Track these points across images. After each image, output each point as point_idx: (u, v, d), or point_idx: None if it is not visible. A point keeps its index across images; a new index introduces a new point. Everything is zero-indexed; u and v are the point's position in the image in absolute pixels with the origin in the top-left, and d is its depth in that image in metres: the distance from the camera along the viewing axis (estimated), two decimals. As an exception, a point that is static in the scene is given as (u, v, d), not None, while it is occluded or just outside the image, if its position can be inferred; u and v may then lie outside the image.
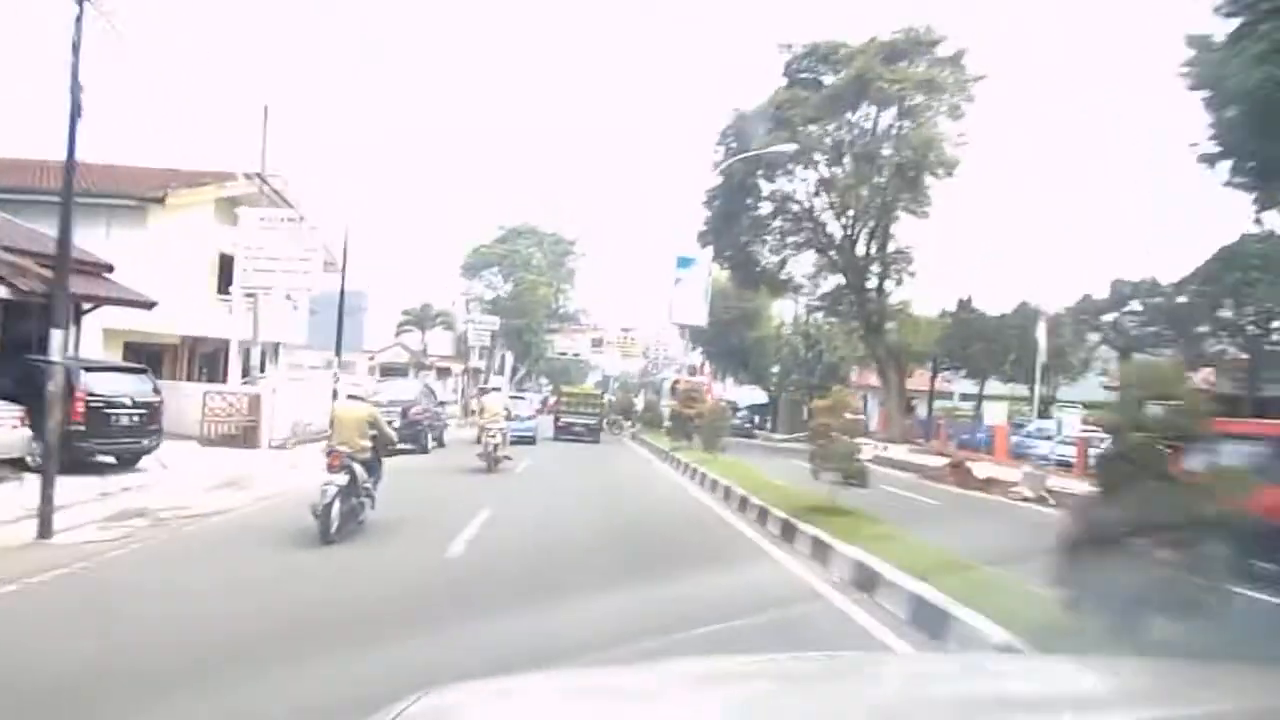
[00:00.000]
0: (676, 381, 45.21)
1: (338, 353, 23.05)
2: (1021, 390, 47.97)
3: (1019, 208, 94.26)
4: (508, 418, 20.71)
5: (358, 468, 10.30)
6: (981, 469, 26.46)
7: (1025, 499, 22.23)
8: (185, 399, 21.10)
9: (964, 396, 49.36)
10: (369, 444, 10.66)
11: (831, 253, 39.76)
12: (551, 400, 48.97)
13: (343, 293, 23.43)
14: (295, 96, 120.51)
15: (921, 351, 38.80)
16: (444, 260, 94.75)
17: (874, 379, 48.59)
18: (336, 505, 9.81)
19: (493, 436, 19.47)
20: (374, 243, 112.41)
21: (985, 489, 24.43)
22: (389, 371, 40.76)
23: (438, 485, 17.05)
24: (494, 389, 26.47)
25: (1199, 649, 4.68)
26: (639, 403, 51.15)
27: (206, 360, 31.39)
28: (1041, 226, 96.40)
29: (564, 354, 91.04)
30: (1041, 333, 33.14)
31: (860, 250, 38.90)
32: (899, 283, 38.66)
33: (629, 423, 42.57)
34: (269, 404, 21.05)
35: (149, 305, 20.91)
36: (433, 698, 1.52)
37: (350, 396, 11.72)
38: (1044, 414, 42.22)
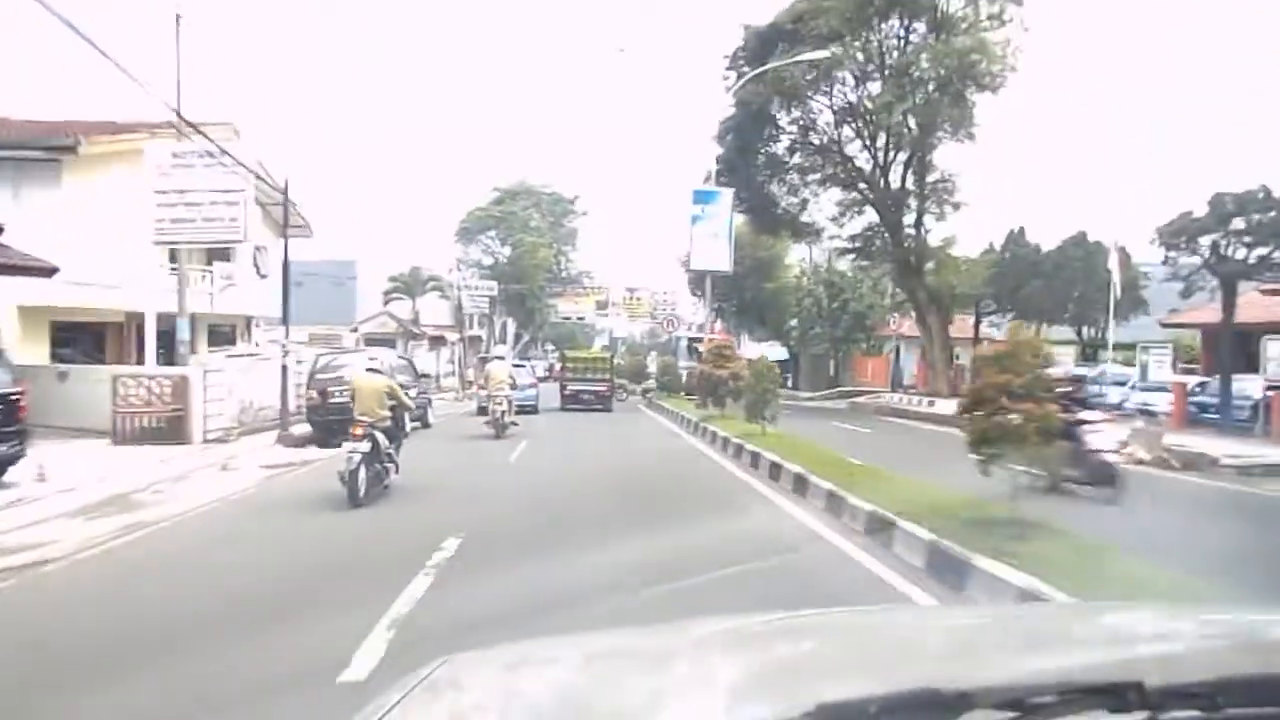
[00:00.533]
0: (695, 340, 41.05)
1: (284, 322, 18.57)
2: (1060, 332, 43.62)
3: (1074, 124, 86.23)
4: (512, 386, 20.67)
5: (380, 436, 10.79)
6: (1064, 425, 22.19)
7: (1140, 461, 17.89)
8: (96, 386, 16.85)
9: (993, 342, 44.77)
10: (388, 413, 11.20)
11: (861, 186, 35.00)
12: (557, 367, 44.78)
13: (286, 250, 18.75)
14: (287, 62, 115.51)
15: (967, 294, 34.14)
16: (439, 227, 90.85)
17: (906, 328, 44.16)
18: (362, 471, 10.33)
19: (499, 404, 19.80)
20: (364, 211, 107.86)
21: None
22: (373, 343, 36.42)
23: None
24: (497, 357, 25.23)
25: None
26: (651, 365, 46.87)
27: (161, 340, 27.05)
28: (1102, 144, 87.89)
29: (568, 318, 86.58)
30: (1114, 264, 28.62)
31: (895, 182, 34.13)
32: (940, 217, 33.95)
33: (641, 388, 38.44)
34: (198, 389, 16.74)
35: (48, 272, 16.57)
36: (453, 664, 1.55)
37: (369, 370, 11.98)
38: (1090, 358, 37.93)
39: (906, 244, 34.15)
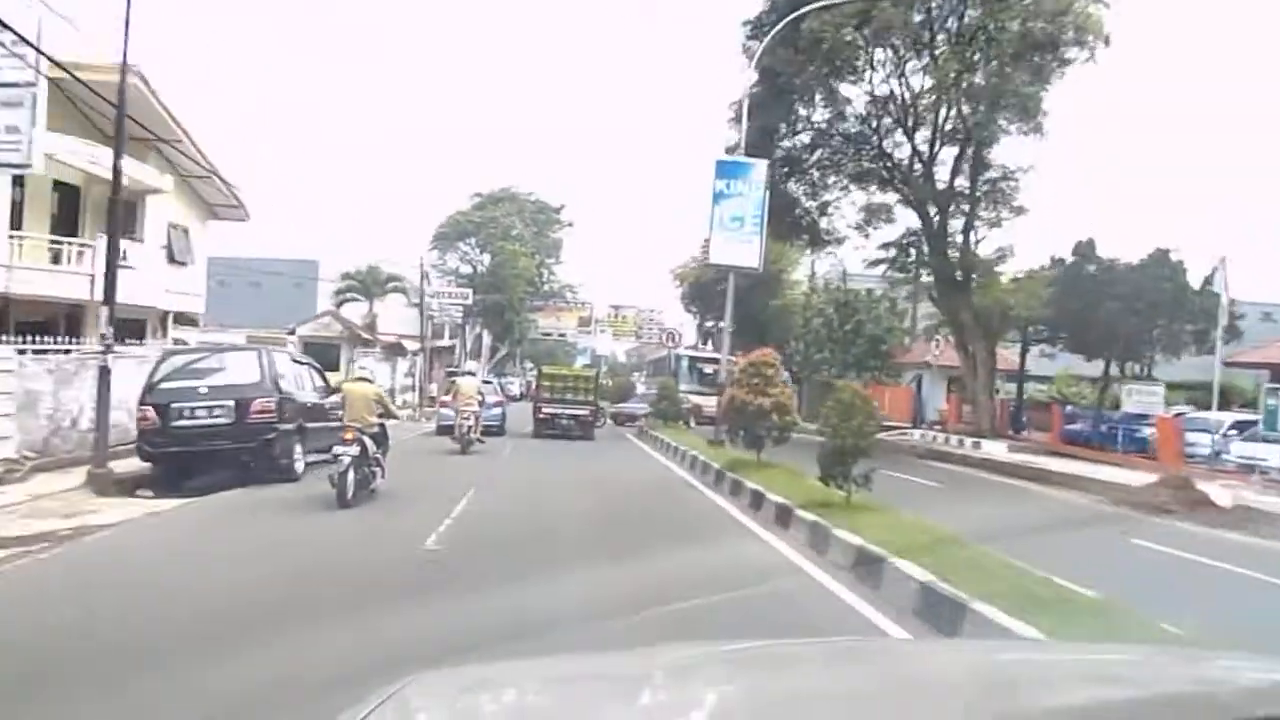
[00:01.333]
0: (700, 359, 35.51)
1: (106, 301, 12.07)
2: (1087, 365, 37.91)
3: (1160, 121, 73.27)
4: (481, 404, 20.15)
5: (368, 440, 10.93)
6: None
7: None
8: None
9: (1037, 377, 39.10)
10: (377, 420, 11.41)
11: (899, 185, 29.16)
12: (532, 385, 38.68)
13: (117, 180, 12.21)
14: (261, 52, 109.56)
15: (1023, 316, 28.30)
16: (416, 232, 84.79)
17: (930, 355, 38.32)
18: (351, 474, 10.50)
19: (466, 419, 19.20)
20: (336, 211, 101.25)
21: (1238, 522, 14.34)
22: (313, 350, 30.05)
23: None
24: (467, 372, 24.25)
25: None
26: (640, 386, 40.81)
27: (37, 329, 20.76)
28: (1192, 146, 74.40)
29: (549, 334, 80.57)
30: (1223, 285, 23.04)
31: (941, 182, 28.29)
32: (995, 223, 28.15)
33: (624, 413, 32.61)
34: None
35: None
36: (418, 684, 1.51)
37: (359, 378, 12.26)
38: (1103, 397, 32.34)
39: (951, 254, 28.26)
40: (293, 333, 30.84)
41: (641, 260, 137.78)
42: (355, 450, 10.58)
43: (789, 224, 32.64)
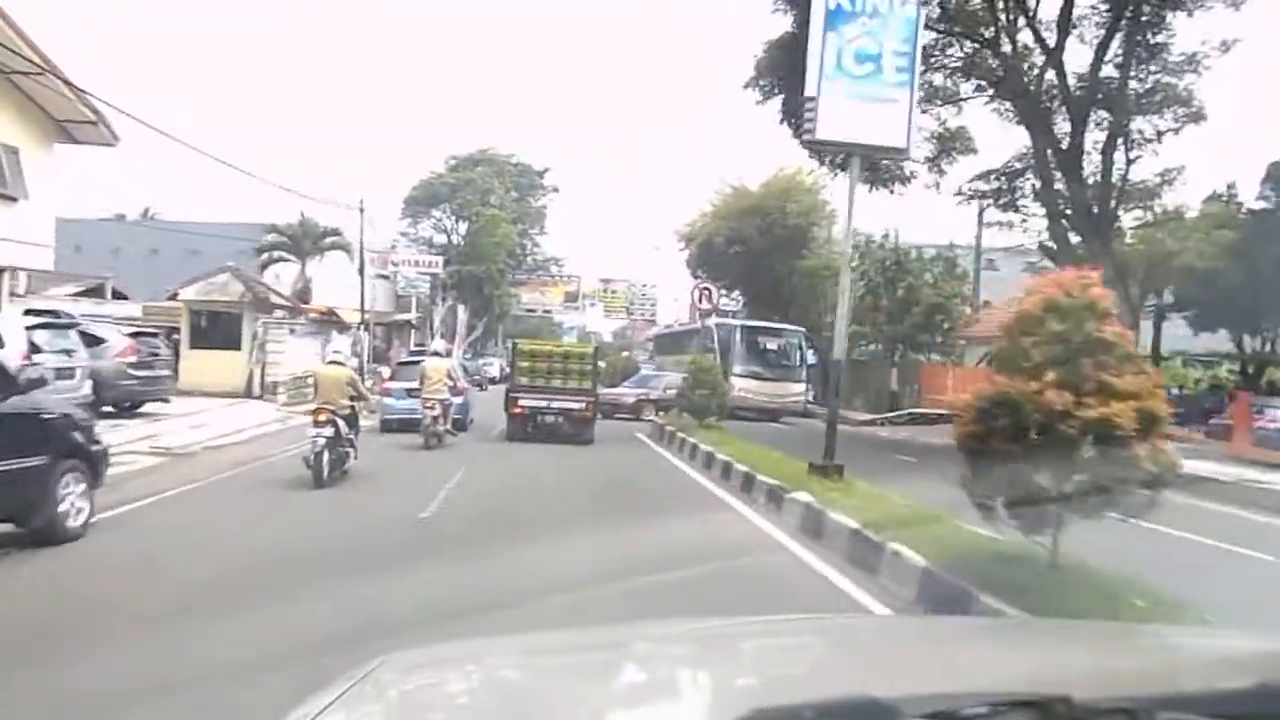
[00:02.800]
0: (760, 330, 27.13)
1: None
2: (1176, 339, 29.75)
3: None
4: (453, 390, 15.73)
5: (341, 422, 10.96)
6: None
7: None
8: None
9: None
10: (349, 402, 11.47)
11: (1004, 86, 20.57)
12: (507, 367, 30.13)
13: None
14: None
15: (1201, 268, 19.69)
16: (382, 200, 75.53)
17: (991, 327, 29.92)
18: (325, 455, 10.58)
19: (431, 408, 15.11)
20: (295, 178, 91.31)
21: None
22: (203, 314, 21.27)
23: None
24: (435, 352, 17.90)
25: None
26: (645, 367, 32.30)
27: None
28: None
29: (532, 310, 71.78)
30: None
31: (1065, 82, 19.68)
32: (1155, 138, 19.57)
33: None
34: None
35: None
36: (395, 662, 1.48)
37: (331, 361, 12.18)
38: (1271, 383, 24.05)
39: (1084, 186, 19.72)
40: (174, 296, 22.02)
41: (633, 231, 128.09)
42: (329, 431, 10.66)
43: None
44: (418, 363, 18.51)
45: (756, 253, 36.73)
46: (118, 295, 24.65)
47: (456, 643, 1.72)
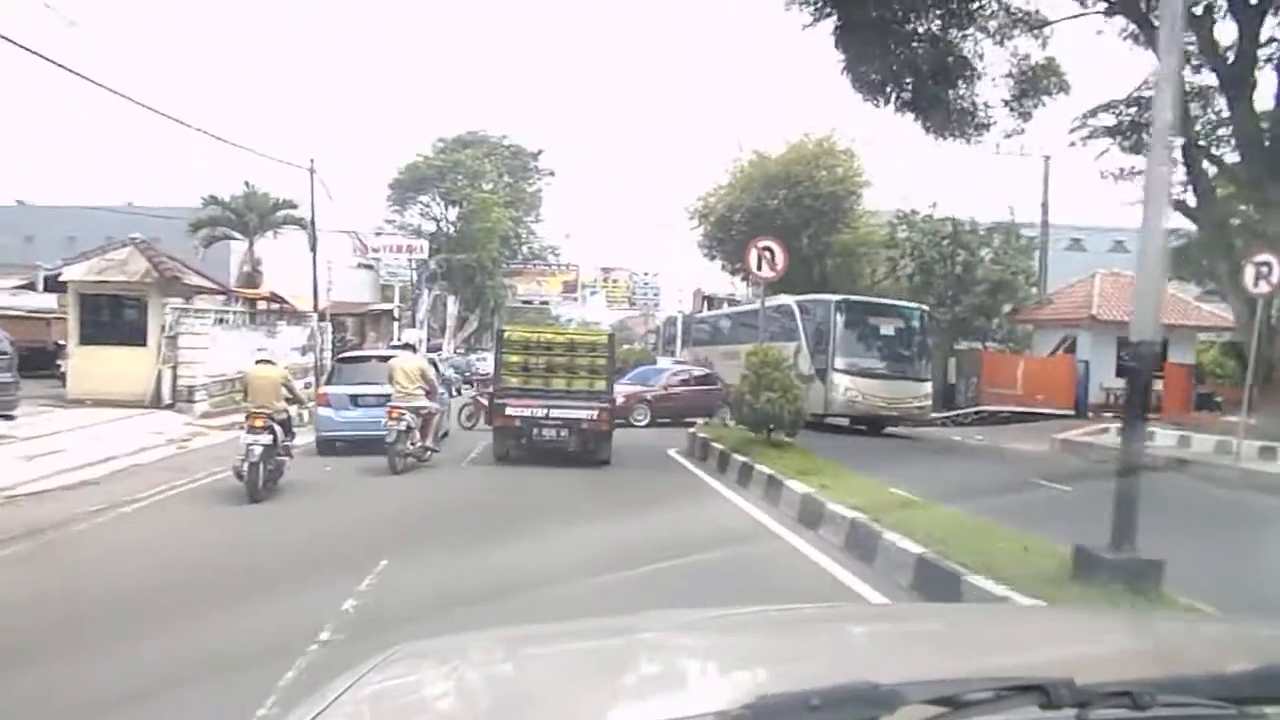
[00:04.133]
0: (872, 307, 19.81)
1: None
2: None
3: None
4: (429, 393, 11.63)
5: (278, 428, 9.69)
6: None
7: None
8: None
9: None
10: (284, 405, 10.07)
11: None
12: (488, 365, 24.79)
13: None
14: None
15: None
16: (368, 188, 69.62)
17: (1095, 304, 24.80)
18: (261, 466, 9.28)
19: (398, 420, 10.97)
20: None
21: None
22: (89, 300, 15.94)
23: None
24: (404, 345, 15.18)
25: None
26: (664, 360, 27.11)
27: None
28: None
29: (529, 302, 66.45)
30: None
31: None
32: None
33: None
34: None
35: None
36: (407, 651, 1.48)
37: (260, 361, 10.50)
38: None
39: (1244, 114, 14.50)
40: (59, 273, 16.63)
41: (634, 217, 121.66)
42: (266, 439, 9.30)
43: (896, 58, 18.95)
44: (369, 360, 13.56)
45: (781, 229, 31.56)
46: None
47: (468, 633, 1.66)
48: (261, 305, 20.96)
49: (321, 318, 21.52)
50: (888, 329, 19.56)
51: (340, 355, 15.87)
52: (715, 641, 1.64)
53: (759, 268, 12.04)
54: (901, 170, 54.67)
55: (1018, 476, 12.58)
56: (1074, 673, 1.01)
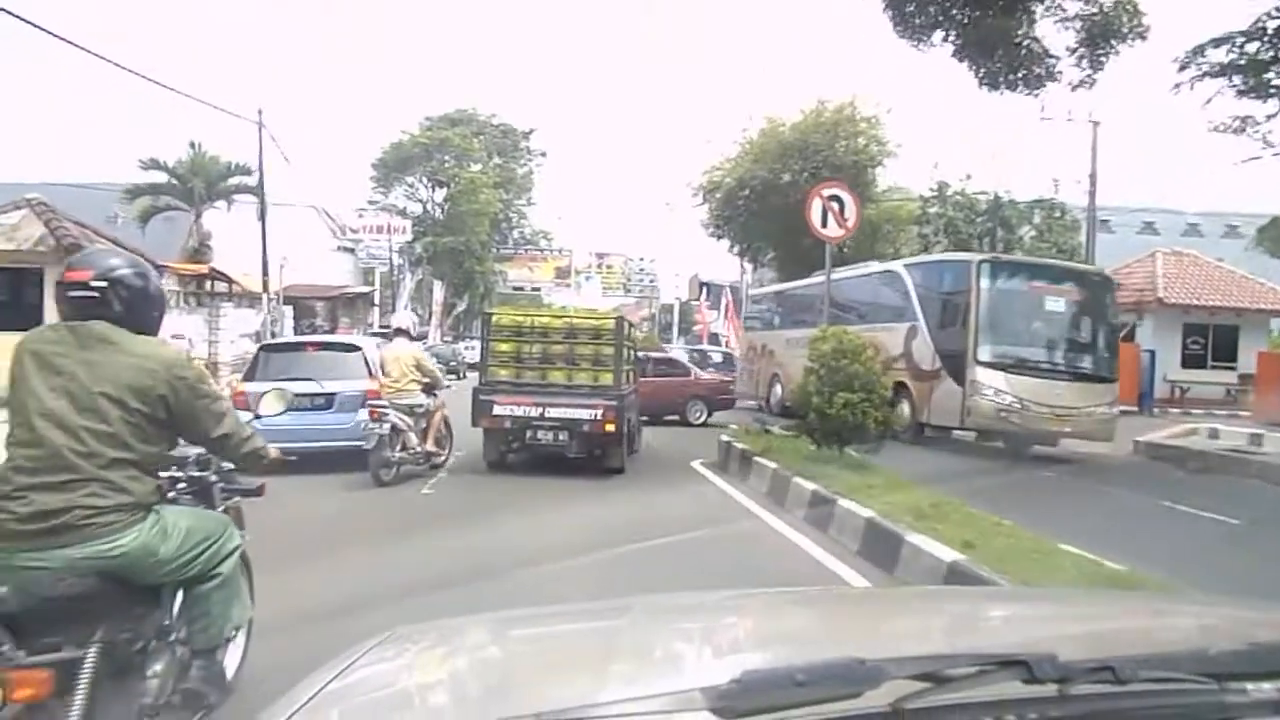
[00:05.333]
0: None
1: None
2: None
3: None
4: (429, 387, 9.60)
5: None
6: None
7: None
8: None
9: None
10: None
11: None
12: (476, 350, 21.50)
13: None
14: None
15: None
16: (351, 170, 65.59)
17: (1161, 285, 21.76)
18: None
19: (378, 421, 8.71)
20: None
21: None
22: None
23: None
24: (398, 330, 10.25)
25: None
26: (676, 350, 23.93)
27: None
28: None
29: (520, 288, 63.07)
30: None
31: None
32: None
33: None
34: None
35: None
36: (400, 635, 1.47)
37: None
38: None
39: None
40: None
41: (629, 200, 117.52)
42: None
43: (985, 29, 15.92)
44: (304, 349, 10.61)
45: (796, 205, 28.38)
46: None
47: (461, 618, 1.60)
48: (224, 286, 17.61)
49: (283, 300, 18.22)
50: (1057, 303, 12.97)
51: (266, 343, 12.54)
52: (703, 623, 1.63)
53: (823, 224, 8.85)
54: (928, 142, 51.28)
55: (1150, 503, 9.48)
56: (1057, 649, 1.00)
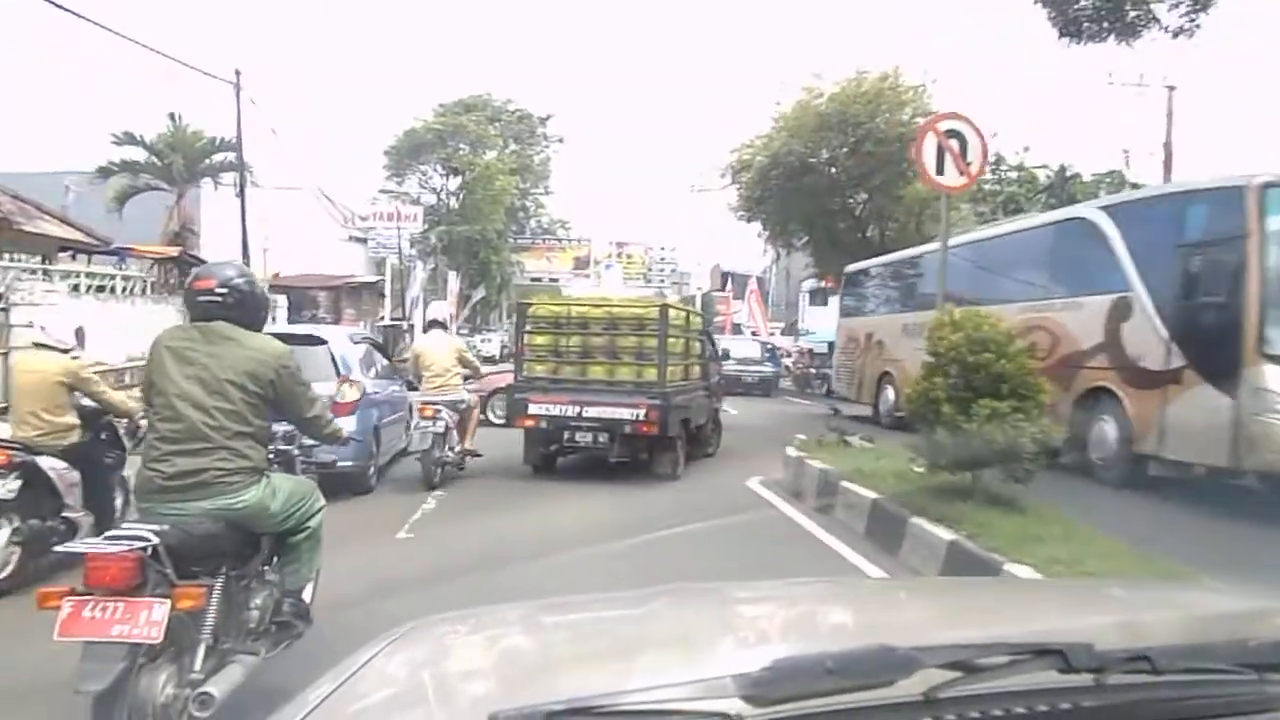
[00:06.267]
0: None
1: None
2: None
3: None
4: (471, 375, 9.38)
5: (47, 468, 6.75)
6: None
7: None
8: None
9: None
10: (74, 422, 6.88)
11: None
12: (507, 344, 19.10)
13: None
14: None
15: None
16: (364, 159, 63.43)
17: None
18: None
19: (433, 418, 8.18)
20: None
21: None
22: None
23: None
24: (432, 322, 9.73)
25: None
26: (739, 345, 21.41)
27: None
28: None
29: (538, 279, 60.86)
30: None
31: None
32: None
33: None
34: None
35: None
36: (422, 627, 1.45)
37: (40, 345, 6.53)
38: None
39: None
40: None
41: (649, 188, 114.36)
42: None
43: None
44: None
45: (837, 183, 26.21)
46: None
47: (483, 608, 1.61)
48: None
49: (272, 289, 16.03)
50: None
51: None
52: (732, 611, 1.62)
53: (939, 169, 6.53)
54: (979, 113, 48.17)
55: None
56: (1092, 639, 0.97)
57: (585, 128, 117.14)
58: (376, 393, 8.42)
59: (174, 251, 15.61)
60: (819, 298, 38.62)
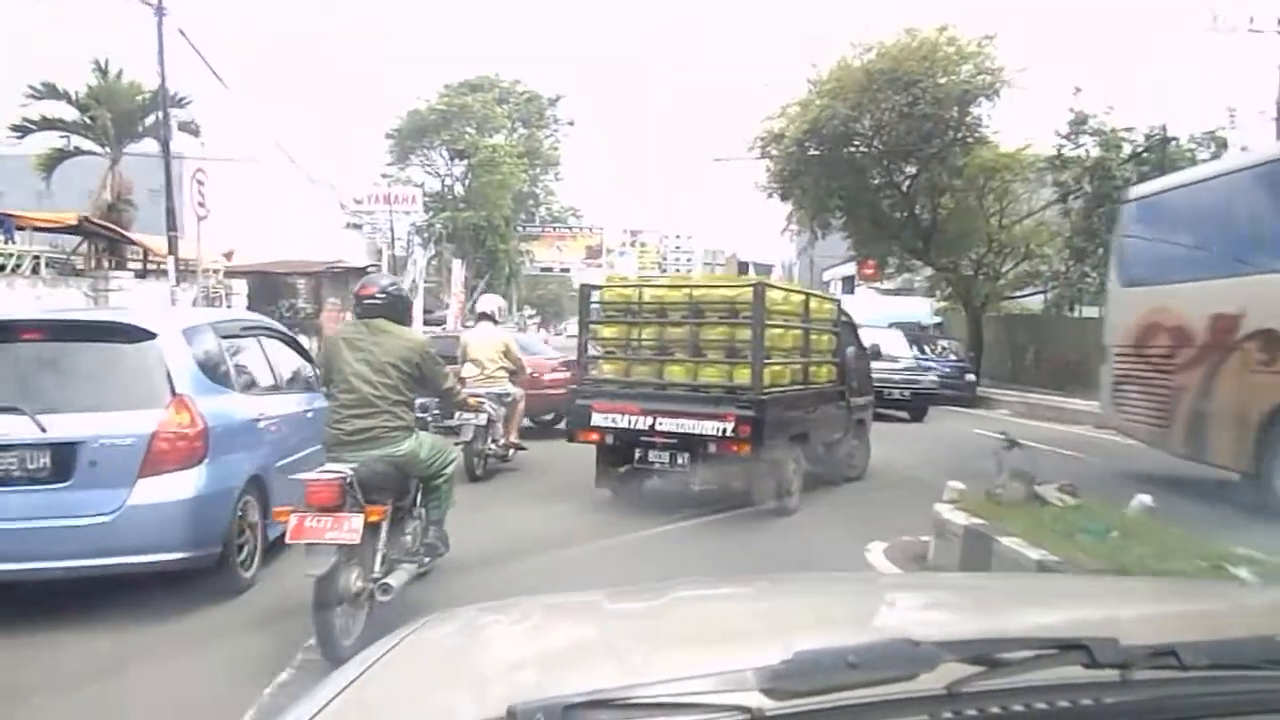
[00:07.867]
0: None
1: None
2: None
3: None
4: (515, 370, 8.89)
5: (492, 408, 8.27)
6: None
7: None
8: None
9: None
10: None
11: None
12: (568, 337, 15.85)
13: None
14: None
15: None
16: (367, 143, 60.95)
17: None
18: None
19: (476, 411, 7.55)
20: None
21: None
22: None
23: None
24: (482, 315, 9.26)
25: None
26: (891, 342, 18.12)
27: None
28: None
29: (549, 269, 57.69)
30: None
31: None
32: None
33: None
34: None
35: None
36: (440, 620, 1.46)
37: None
38: None
39: None
40: None
41: (663, 172, 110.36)
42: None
43: None
44: (12, 339, 5.08)
45: (889, 149, 22.93)
46: None
47: (505, 602, 1.57)
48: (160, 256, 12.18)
49: (211, 273, 12.78)
50: None
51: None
52: (753, 605, 1.60)
53: None
54: (1051, 72, 43.64)
55: None
56: (1118, 634, 0.95)
57: (596, 109, 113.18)
58: (270, 419, 5.13)
59: (72, 219, 12.36)
60: (848, 286, 35.23)
